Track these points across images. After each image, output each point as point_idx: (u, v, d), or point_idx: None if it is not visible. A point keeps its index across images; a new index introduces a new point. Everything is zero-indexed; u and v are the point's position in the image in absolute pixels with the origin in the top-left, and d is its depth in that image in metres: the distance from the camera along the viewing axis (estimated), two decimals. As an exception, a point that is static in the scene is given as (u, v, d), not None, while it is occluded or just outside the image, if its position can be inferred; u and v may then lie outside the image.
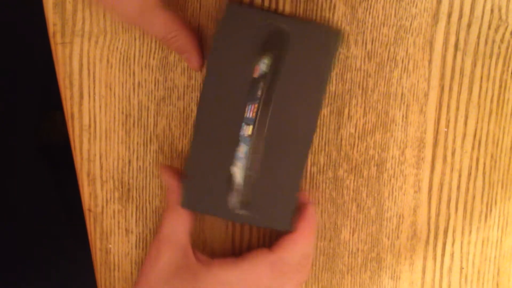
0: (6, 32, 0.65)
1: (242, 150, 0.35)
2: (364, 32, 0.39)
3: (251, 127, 0.35)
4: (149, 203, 0.42)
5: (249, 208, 0.36)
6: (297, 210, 0.37)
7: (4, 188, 0.69)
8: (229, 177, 0.36)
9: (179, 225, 0.37)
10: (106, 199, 0.42)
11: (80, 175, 0.42)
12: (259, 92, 0.34)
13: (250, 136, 0.35)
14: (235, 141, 0.35)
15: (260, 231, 0.42)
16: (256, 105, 0.35)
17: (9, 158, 0.70)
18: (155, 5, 0.35)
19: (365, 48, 0.39)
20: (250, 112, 0.35)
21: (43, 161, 0.72)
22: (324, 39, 0.34)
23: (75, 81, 0.41)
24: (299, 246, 0.36)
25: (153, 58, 0.40)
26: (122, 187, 0.42)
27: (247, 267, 0.36)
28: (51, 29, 0.40)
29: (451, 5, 0.38)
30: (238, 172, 0.35)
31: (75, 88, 0.41)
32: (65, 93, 0.41)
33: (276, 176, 0.36)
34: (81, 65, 0.40)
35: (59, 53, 0.40)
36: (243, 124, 0.35)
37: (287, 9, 0.38)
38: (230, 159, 0.36)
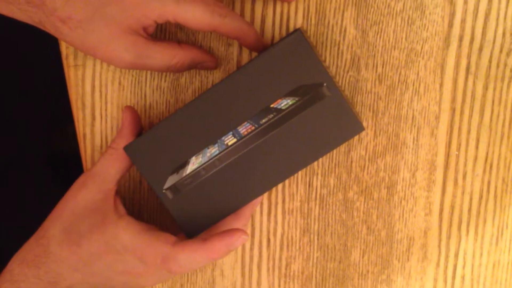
0: (19, 50, 0.66)
1: (212, 151, 0.35)
2: (374, 56, 0.39)
3: (234, 140, 0.35)
4: (160, 223, 0.42)
5: (175, 194, 0.36)
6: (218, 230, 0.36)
7: (14, 195, 0.70)
8: (185, 162, 0.36)
9: (112, 168, 0.36)
10: (117, 219, 0.42)
11: (91, 196, 0.42)
12: (264, 120, 0.35)
13: (227, 145, 0.35)
14: (213, 140, 0.35)
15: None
16: (253, 128, 0.35)
17: (20, 168, 0.71)
18: (146, 41, 0.35)
19: (376, 71, 0.39)
20: (244, 129, 0.35)
21: (52, 171, 0.72)
22: (348, 125, 0.35)
23: (87, 103, 0.41)
24: (198, 257, 0.34)
25: (164, 81, 0.40)
26: (133, 208, 0.42)
27: (145, 241, 0.35)
28: (64, 51, 0.40)
29: (462, 29, 0.38)
30: (194, 163, 0.36)
31: (87, 109, 0.41)
32: (77, 114, 0.41)
33: (215, 192, 0.36)
34: (93, 87, 0.41)
35: (72, 75, 0.41)
36: (230, 132, 0.35)
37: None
38: (196, 149, 0.36)
